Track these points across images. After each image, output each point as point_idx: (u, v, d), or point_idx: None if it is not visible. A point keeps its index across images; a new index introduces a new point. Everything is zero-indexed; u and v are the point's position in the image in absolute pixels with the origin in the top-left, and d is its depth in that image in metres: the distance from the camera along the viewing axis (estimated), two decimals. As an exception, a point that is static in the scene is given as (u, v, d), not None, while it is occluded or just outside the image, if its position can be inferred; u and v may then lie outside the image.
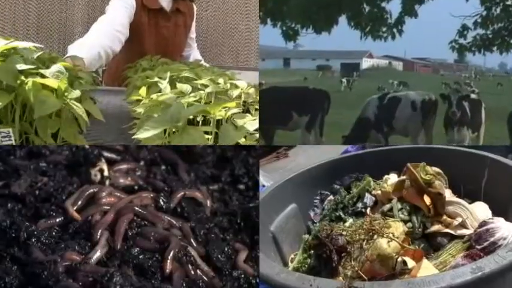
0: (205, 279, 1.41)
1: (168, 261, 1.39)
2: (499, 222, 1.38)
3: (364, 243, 1.35)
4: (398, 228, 1.39)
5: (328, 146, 4.38)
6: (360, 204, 1.65)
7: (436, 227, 1.48)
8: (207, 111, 1.64)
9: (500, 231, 1.34)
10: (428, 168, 1.52)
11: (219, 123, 1.69)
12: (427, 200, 1.50)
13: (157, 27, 3.96)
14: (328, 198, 1.76)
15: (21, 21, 4.83)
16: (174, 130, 1.51)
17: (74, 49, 2.99)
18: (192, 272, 1.40)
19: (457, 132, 4.48)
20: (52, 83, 1.51)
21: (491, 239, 1.34)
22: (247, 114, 1.76)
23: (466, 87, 15.00)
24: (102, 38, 3.25)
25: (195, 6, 4.29)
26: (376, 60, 34.39)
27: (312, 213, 1.79)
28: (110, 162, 1.68)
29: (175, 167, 1.74)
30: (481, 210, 1.54)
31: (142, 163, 1.74)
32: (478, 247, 1.37)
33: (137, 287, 1.34)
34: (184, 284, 1.38)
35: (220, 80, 2.18)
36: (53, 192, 1.56)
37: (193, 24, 4.34)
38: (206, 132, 1.59)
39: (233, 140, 1.47)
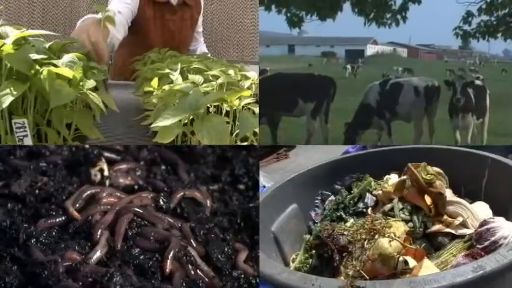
0: (206, 279, 1.40)
1: (168, 261, 1.39)
2: (500, 222, 1.38)
3: (366, 242, 1.36)
4: (399, 228, 1.41)
5: (328, 147, 4.41)
6: (360, 205, 1.65)
7: (437, 227, 1.48)
8: (224, 99, 1.63)
9: (501, 230, 1.34)
10: (429, 168, 1.53)
11: (232, 113, 1.69)
12: (428, 199, 1.51)
13: (164, 20, 3.91)
14: (329, 198, 1.76)
15: (26, 14, 4.82)
16: (193, 118, 1.48)
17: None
18: (192, 272, 1.40)
19: (462, 118, 4.46)
20: (67, 72, 1.48)
21: (492, 239, 1.34)
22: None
23: (471, 73, 14.96)
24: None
25: (202, 0, 4.25)
26: (381, 47, 34.32)
27: (313, 214, 1.79)
28: (110, 162, 1.67)
29: (175, 167, 1.73)
30: (481, 210, 1.54)
31: (142, 163, 1.74)
32: (479, 246, 1.36)
33: (137, 287, 1.34)
34: (184, 284, 1.37)
35: (231, 71, 2.19)
36: (53, 192, 1.55)
37: (200, 18, 4.30)
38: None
39: (252, 127, 1.45)
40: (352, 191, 1.73)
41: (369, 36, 32.33)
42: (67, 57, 1.59)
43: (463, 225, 1.46)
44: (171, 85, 1.88)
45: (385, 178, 1.72)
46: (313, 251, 1.56)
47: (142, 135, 2.13)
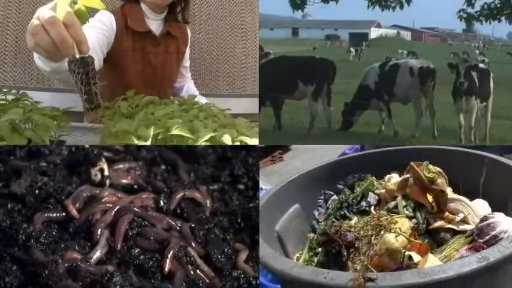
0: (206, 279, 1.40)
1: (168, 260, 1.39)
2: (499, 217, 1.42)
3: (373, 238, 1.40)
4: (404, 223, 1.45)
5: (324, 149, 4.41)
6: (364, 203, 1.68)
7: (439, 223, 1.51)
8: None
9: (501, 225, 1.38)
10: (430, 166, 1.57)
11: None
12: (430, 197, 1.54)
13: (144, 53, 3.29)
14: (332, 198, 1.79)
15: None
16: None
17: None
18: (192, 273, 1.40)
19: (465, 101, 4.45)
20: None
21: (493, 233, 1.38)
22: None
23: (477, 56, 14.89)
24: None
25: (189, 30, 3.66)
26: (385, 30, 34.17)
27: (316, 213, 1.80)
28: (110, 162, 1.67)
29: (175, 167, 1.73)
30: (481, 206, 1.58)
31: (142, 163, 1.73)
32: (481, 240, 1.40)
33: (137, 287, 1.34)
34: (184, 284, 1.38)
35: (226, 139, 1.68)
36: (53, 192, 1.55)
37: (187, 51, 3.70)
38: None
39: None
40: (354, 190, 1.76)
41: (373, 19, 32.23)
42: None
43: (464, 221, 1.50)
44: None
45: (387, 177, 1.76)
46: (319, 249, 1.59)
47: None
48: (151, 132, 1.69)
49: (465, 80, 4.37)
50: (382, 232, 1.40)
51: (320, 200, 1.80)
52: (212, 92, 4.43)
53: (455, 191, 1.65)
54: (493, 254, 1.10)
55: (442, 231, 1.50)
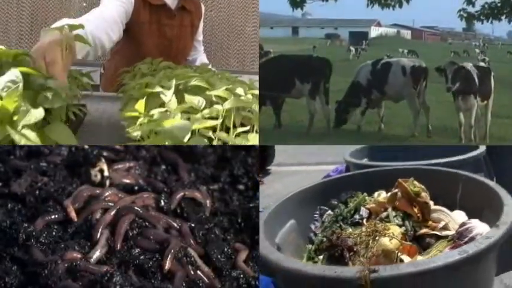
0: (206, 280, 1.41)
1: (168, 259, 1.40)
2: (476, 223, 1.66)
3: (370, 242, 1.61)
4: (396, 230, 1.67)
5: (303, 173, 4.47)
6: (357, 216, 1.89)
7: (424, 230, 1.74)
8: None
9: (477, 228, 1.61)
10: (415, 182, 1.83)
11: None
12: (415, 208, 1.79)
13: (160, 26, 3.50)
14: (327, 212, 1.98)
15: (13, 22, 4.72)
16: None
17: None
18: (192, 273, 1.41)
19: (463, 100, 4.45)
20: None
21: (470, 235, 1.60)
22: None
23: (477, 55, 14.89)
24: (90, 27, 2.72)
25: (203, 6, 3.85)
26: (385, 29, 34.11)
27: (313, 226, 1.98)
28: (110, 162, 1.67)
29: (176, 167, 1.73)
30: (459, 216, 1.81)
31: (142, 162, 1.74)
32: (461, 242, 1.61)
33: (137, 287, 1.34)
34: (184, 285, 1.38)
35: (240, 90, 1.81)
36: (53, 193, 1.55)
37: (201, 25, 3.89)
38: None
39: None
40: (348, 205, 1.95)
41: (373, 18, 32.19)
42: (9, 75, 1.25)
43: (445, 228, 1.73)
44: (161, 110, 1.63)
45: (376, 194, 1.98)
46: (317, 257, 1.78)
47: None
48: (174, 82, 1.80)
49: (452, 85, 4.39)
50: (377, 237, 1.61)
51: (316, 215, 2.00)
52: (223, 68, 4.52)
53: (435, 205, 1.85)
54: (471, 248, 1.33)
55: (427, 237, 1.72)
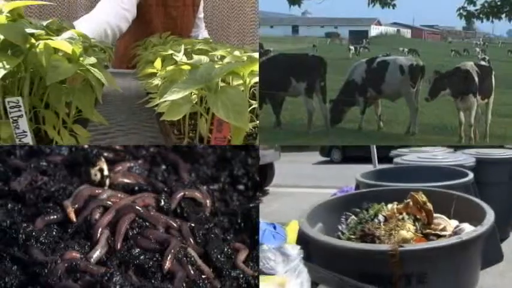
0: (206, 280, 1.41)
1: (168, 259, 1.40)
2: (466, 225, 2.13)
3: (393, 233, 2.09)
4: (410, 226, 2.17)
5: (300, 194, 4.53)
6: (376, 220, 2.29)
7: (428, 230, 2.19)
8: (237, 71, 1.59)
9: (467, 229, 2.08)
10: (422, 194, 2.29)
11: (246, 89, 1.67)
12: (423, 214, 2.26)
13: (166, 7, 3.94)
14: (351, 217, 2.39)
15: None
16: (202, 97, 1.46)
17: (80, 25, 2.85)
18: (192, 272, 1.41)
19: (461, 100, 4.52)
20: (65, 46, 1.38)
21: (462, 233, 2.03)
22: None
23: (477, 54, 14.86)
24: (109, 15, 3.22)
25: None
26: (385, 28, 33.99)
27: (340, 227, 2.36)
28: (110, 162, 1.67)
29: (176, 167, 1.73)
30: (453, 222, 2.27)
31: (142, 162, 1.74)
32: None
33: (137, 287, 1.35)
34: (184, 285, 1.38)
35: (237, 52, 2.13)
36: (53, 192, 1.55)
37: (201, 3, 4.32)
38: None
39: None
40: (368, 212, 2.38)
41: (373, 17, 32.07)
42: (67, 34, 1.53)
43: (444, 229, 2.19)
44: (177, 65, 1.81)
45: (390, 205, 2.40)
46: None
47: (145, 120, 2.14)
48: (182, 47, 2.07)
49: (430, 97, 4.55)
50: (398, 230, 2.10)
51: (342, 219, 2.41)
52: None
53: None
54: (464, 236, 1.89)
55: (431, 235, 2.16)
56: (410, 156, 4.39)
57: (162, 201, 1.56)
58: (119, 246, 1.43)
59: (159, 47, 2.51)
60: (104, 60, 2.05)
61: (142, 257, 1.41)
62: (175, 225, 1.50)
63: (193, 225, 1.52)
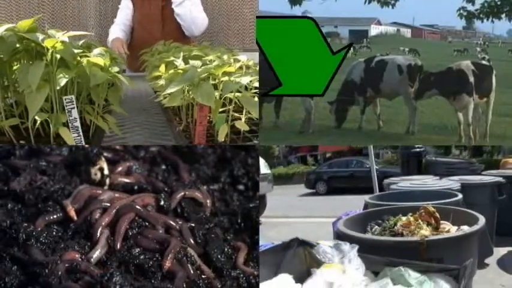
0: (206, 279, 1.41)
1: (168, 259, 1.40)
2: (465, 227, 2.62)
3: (415, 231, 2.65)
4: (426, 228, 2.71)
5: (293, 223, 4.60)
6: (395, 227, 2.81)
7: (438, 231, 2.71)
8: (212, 72, 2.10)
9: (466, 230, 2.56)
10: (432, 206, 2.85)
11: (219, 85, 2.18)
12: (433, 220, 2.78)
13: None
14: (375, 227, 2.92)
15: (35, 15, 4.96)
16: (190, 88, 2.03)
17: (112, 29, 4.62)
18: (192, 272, 1.41)
19: (454, 100, 4.52)
20: (100, 61, 1.94)
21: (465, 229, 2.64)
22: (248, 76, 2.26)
23: (477, 54, 14.84)
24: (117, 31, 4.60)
25: None
26: (385, 27, 33.94)
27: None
28: (110, 162, 1.67)
29: (176, 167, 1.73)
30: (455, 228, 2.77)
31: (142, 162, 1.74)
32: None
33: (137, 287, 1.35)
34: (184, 285, 1.38)
35: (225, 56, 2.70)
36: (53, 192, 1.55)
37: None
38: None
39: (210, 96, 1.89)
40: (389, 222, 2.89)
41: (373, 17, 32.03)
42: (97, 51, 2.08)
43: (448, 231, 2.70)
44: (176, 69, 2.36)
45: (404, 218, 2.87)
46: None
47: (154, 114, 2.86)
48: (182, 54, 2.74)
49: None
50: (418, 229, 2.65)
51: (368, 228, 2.94)
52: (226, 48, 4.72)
53: (440, 221, 3.02)
54: (466, 230, 2.49)
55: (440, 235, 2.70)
56: (403, 183, 4.78)
57: (162, 201, 1.56)
58: (118, 246, 1.43)
59: (163, 54, 3.10)
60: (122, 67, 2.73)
61: (142, 256, 1.41)
62: (175, 225, 1.50)
63: (193, 225, 1.52)
